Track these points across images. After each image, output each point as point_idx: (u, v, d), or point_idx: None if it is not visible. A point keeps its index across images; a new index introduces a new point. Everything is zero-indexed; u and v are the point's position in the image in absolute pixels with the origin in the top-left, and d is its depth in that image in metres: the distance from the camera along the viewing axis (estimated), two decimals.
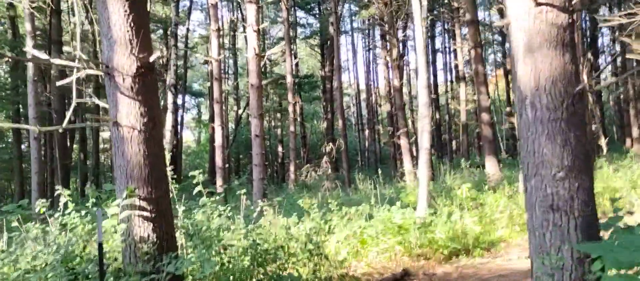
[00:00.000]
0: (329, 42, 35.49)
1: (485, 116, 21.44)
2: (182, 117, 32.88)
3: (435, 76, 37.96)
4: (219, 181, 16.14)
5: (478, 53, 21.52)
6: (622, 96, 30.70)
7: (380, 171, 19.09)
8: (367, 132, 45.57)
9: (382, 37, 26.47)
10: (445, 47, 41.48)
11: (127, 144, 4.90)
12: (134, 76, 4.91)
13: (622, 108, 32.59)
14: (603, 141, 18.78)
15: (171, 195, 5.68)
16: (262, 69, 28.48)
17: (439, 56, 41.62)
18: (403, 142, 21.00)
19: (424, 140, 10.46)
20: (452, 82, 40.23)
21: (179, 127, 31.63)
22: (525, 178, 4.60)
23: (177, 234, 5.48)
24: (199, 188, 5.17)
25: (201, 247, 4.81)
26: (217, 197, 15.95)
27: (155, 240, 4.91)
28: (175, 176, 6.30)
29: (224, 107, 23.38)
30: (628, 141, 30.45)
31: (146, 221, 4.91)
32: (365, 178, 20.89)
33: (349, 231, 7.72)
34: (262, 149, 14.22)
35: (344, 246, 7.41)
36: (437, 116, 38.01)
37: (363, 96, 50.27)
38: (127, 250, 4.92)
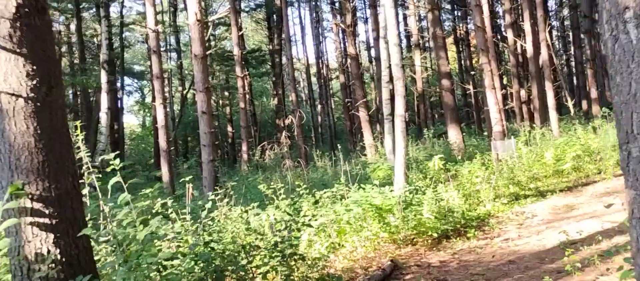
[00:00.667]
0: (275, 16, 33.78)
1: (446, 82, 20.36)
2: (121, 99, 30.55)
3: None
4: (163, 167, 14.44)
5: (436, 16, 20.35)
6: (576, 58, 30.29)
7: (339, 146, 17.75)
8: (319, 107, 44.21)
9: (332, 3, 24.98)
10: (396, 15, 40.28)
11: (8, 119, 3.32)
12: (14, 18, 3.32)
13: (576, 71, 32.27)
14: (570, 103, 18.00)
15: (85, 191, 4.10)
16: (207, 41, 26.64)
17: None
18: (362, 114, 19.72)
19: (399, 105, 9.12)
20: (406, 50, 39.24)
21: (119, 110, 29.42)
22: (626, 134, 3.16)
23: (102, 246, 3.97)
24: (116, 178, 3.55)
25: (124, 269, 3.28)
26: (161, 185, 14.31)
27: (58, 256, 3.37)
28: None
29: (165, 84, 21.53)
30: (584, 103, 30.19)
31: (44, 231, 3.36)
32: (323, 155, 19.60)
33: (324, 218, 6.33)
34: (210, 127, 12.62)
35: (320, 238, 6.03)
36: (390, 87, 36.90)
37: (313, 70, 48.78)
38: (17, 273, 3.38)
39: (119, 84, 30.27)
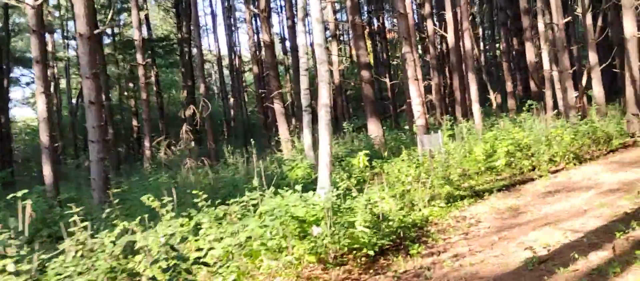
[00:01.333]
0: (183, 3, 31.65)
1: (365, 73, 19.28)
2: (7, 89, 27.29)
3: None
4: (46, 167, 12.30)
5: (355, 3, 19.20)
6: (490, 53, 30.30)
7: (253, 142, 16.20)
8: (232, 100, 42.28)
9: None
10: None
11: None
12: None
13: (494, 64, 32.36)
14: (492, 95, 17.39)
15: None
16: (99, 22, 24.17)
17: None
18: (277, 106, 18.24)
19: (323, 94, 7.72)
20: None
21: (4, 102, 26.26)
22: None
23: None
24: None
25: None
26: (42, 189, 12.17)
27: None
28: None
29: (48, 69, 19.11)
30: (498, 97, 30.22)
31: None
32: (234, 151, 18.02)
33: (231, 240, 4.80)
34: (100, 119, 10.71)
35: (225, 269, 4.51)
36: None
37: (226, 62, 46.69)
38: None
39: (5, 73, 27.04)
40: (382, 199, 7.03)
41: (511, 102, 25.07)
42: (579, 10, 16.24)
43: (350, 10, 19.50)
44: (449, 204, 8.53)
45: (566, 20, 14.03)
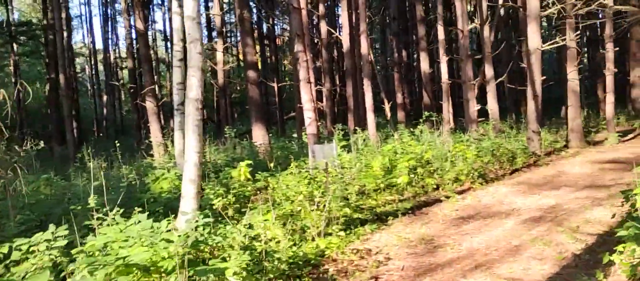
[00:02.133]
0: None
1: (252, 74, 17.44)
2: None
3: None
4: None
5: None
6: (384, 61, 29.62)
7: (118, 144, 13.79)
8: (105, 97, 38.66)
9: None
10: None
11: None
12: None
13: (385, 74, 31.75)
14: (387, 105, 16.23)
15: None
16: None
17: None
18: (149, 104, 15.89)
19: (193, 84, 5.80)
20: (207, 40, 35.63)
21: None
22: None
23: None
24: None
25: None
26: None
27: None
28: None
29: None
30: (386, 108, 29.58)
31: None
32: (100, 155, 15.49)
33: None
34: None
35: None
36: (183, 68, 33.08)
37: (101, 57, 42.80)
38: None
39: None
40: (267, 229, 5.25)
41: (401, 115, 24.32)
42: (477, 21, 15.51)
43: (237, 4, 17.62)
44: (349, 232, 6.91)
45: (471, 26, 13.13)
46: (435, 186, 9.89)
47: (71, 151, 16.87)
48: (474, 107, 12.69)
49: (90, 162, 14.23)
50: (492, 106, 16.19)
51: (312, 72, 15.64)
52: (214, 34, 26.12)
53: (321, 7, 19.67)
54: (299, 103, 14.39)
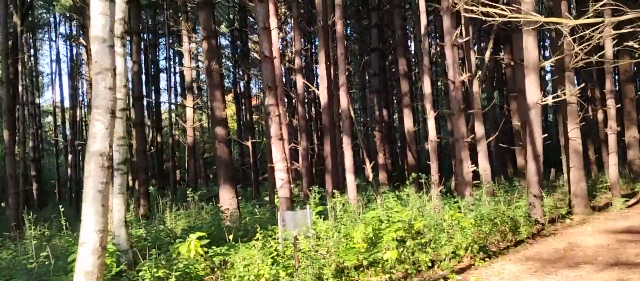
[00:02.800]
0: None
1: (220, 131, 15.83)
2: None
3: (157, 93, 31.45)
4: None
5: (212, 45, 15.92)
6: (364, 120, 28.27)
7: (62, 209, 11.95)
8: (70, 157, 36.52)
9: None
10: (168, 59, 35.23)
11: None
12: None
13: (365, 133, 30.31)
14: (368, 166, 14.65)
15: None
16: None
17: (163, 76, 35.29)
18: None
19: (97, 135, 4.09)
20: (176, 103, 34.11)
21: None
22: None
23: None
24: None
25: None
26: None
27: None
28: None
29: None
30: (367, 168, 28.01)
31: None
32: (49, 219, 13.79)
33: None
34: None
35: None
36: (158, 140, 31.39)
37: (68, 115, 40.93)
38: None
39: None
40: None
41: (383, 176, 22.74)
42: (465, 74, 14.19)
43: (206, 55, 16.15)
44: None
45: (464, 77, 11.72)
46: (429, 264, 8.17)
47: (11, 214, 14.85)
48: (468, 167, 11.14)
49: (29, 230, 12.41)
50: (484, 166, 14.70)
51: (286, 128, 14.07)
52: (185, 85, 24.58)
53: (297, 60, 18.29)
54: (271, 162, 12.71)
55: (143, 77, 24.96)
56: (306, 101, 19.06)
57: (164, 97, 40.17)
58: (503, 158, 24.07)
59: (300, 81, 18.26)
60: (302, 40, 19.12)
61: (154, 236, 11.29)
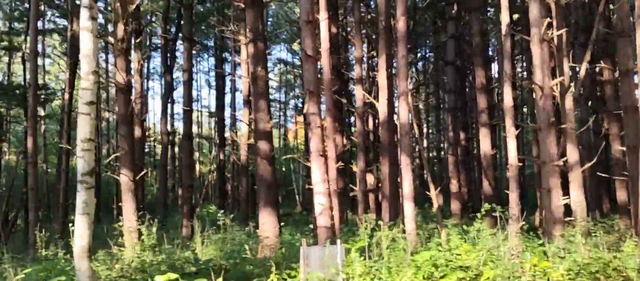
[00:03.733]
0: None
1: (263, 145, 13.90)
2: None
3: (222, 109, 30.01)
4: None
5: (259, 49, 14.06)
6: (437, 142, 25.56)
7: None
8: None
9: None
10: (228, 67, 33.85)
11: None
12: None
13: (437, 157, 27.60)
14: (433, 193, 12.18)
15: None
16: None
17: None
18: (123, 178, 12.37)
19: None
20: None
21: None
22: None
23: None
24: None
25: None
26: None
27: None
28: None
29: None
30: (433, 195, 25.22)
31: None
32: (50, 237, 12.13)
33: None
34: None
35: None
36: (221, 157, 29.97)
37: None
38: None
39: None
40: None
41: (456, 206, 19.98)
42: (556, 80, 11.45)
43: (251, 59, 14.30)
44: None
45: (557, 81, 9.04)
46: None
47: (31, 231, 13.45)
48: (558, 199, 8.44)
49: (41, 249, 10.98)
50: (578, 199, 11.83)
51: (333, 144, 11.83)
52: (241, 98, 22.87)
53: (357, 69, 16.08)
54: (311, 183, 10.53)
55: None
56: (365, 117, 16.75)
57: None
58: (598, 191, 20.65)
59: (359, 92, 16.02)
60: (365, 46, 16.90)
61: (155, 267, 9.40)
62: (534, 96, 8.54)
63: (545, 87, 8.38)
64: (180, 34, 20.66)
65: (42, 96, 24.01)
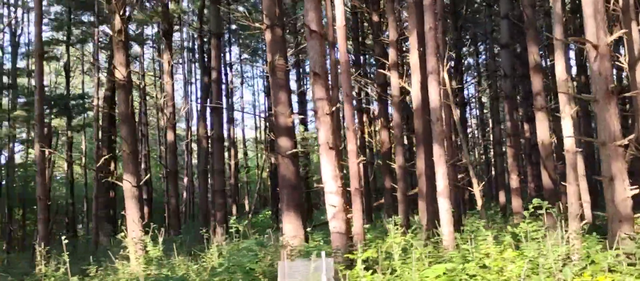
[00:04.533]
0: None
1: (284, 142, 12.45)
2: None
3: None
4: None
5: (277, 36, 12.66)
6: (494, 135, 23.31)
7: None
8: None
9: None
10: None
11: None
12: None
13: (494, 152, 25.29)
14: (477, 189, 10.26)
15: None
16: None
17: None
18: (126, 184, 11.21)
19: None
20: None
21: None
22: None
23: None
24: None
25: None
26: None
27: None
28: None
29: None
30: (501, 195, 22.93)
31: None
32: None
33: None
34: None
35: None
36: (273, 161, 28.73)
37: None
38: None
39: None
40: None
41: (517, 203, 17.72)
42: (616, 33, 9.30)
43: (268, 47, 12.88)
44: None
45: (615, 36, 6.95)
46: None
47: (40, 244, 12.52)
48: (623, 190, 6.40)
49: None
50: None
51: (353, 135, 10.13)
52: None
53: (392, 53, 14.32)
54: (323, 181, 8.91)
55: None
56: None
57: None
58: None
59: (395, 78, 14.25)
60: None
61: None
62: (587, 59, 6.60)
63: (600, 44, 6.40)
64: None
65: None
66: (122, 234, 10.99)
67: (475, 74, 32.73)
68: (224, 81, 19.35)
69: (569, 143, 9.40)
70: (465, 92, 39.33)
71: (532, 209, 7.88)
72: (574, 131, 9.32)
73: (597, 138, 6.51)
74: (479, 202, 10.07)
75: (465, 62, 35.93)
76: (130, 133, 11.33)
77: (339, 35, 10.51)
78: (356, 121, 36.60)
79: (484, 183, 10.57)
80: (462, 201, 28.36)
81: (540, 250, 7.03)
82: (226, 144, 25.17)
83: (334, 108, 9.11)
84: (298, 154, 12.70)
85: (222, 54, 22.09)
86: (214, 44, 18.15)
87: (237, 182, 25.02)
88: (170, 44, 20.08)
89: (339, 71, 10.36)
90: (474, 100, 39.61)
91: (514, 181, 18.34)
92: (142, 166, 29.45)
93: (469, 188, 10.73)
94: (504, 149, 23.31)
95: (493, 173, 30.15)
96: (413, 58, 12.00)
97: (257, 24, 15.16)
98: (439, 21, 12.57)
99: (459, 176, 13.42)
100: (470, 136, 41.41)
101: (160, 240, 10.74)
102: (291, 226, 12.15)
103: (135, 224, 11.00)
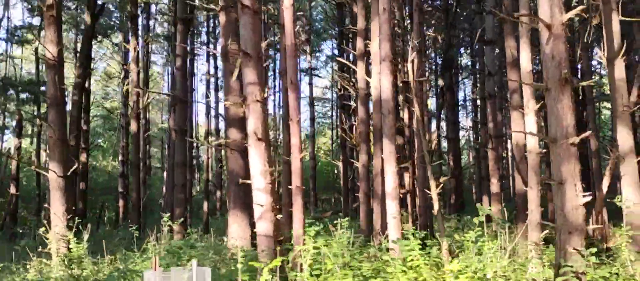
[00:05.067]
0: None
1: (234, 134, 11.57)
2: None
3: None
4: None
5: (231, 19, 11.64)
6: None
7: None
8: None
9: None
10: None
11: None
12: None
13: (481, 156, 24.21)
14: (435, 194, 9.29)
15: None
16: None
17: None
18: (51, 173, 10.19)
19: None
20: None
21: None
22: None
23: None
24: None
25: None
26: None
27: None
28: None
29: None
30: (433, 194, 21.94)
31: None
32: None
33: None
34: None
35: None
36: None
37: None
38: None
39: None
40: None
41: (496, 209, 16.67)
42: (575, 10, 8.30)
43: (222, 30, 11.90)
44: None
45: (572, 13, 5.78)
46: None
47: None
48: (574, 196, 5.25)
49: None
50: (631, 199, 8.64)
51: (296, 128, 9.08)
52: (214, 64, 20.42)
53: (359, 43, 13.27)
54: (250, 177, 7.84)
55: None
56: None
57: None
58: None
59: (361, 71, 13.20)
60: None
61: None
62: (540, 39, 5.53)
63: (554, 23, 5.36)
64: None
65: None
66: (43, 229, 9.96)
67: (471, 74, 31.68)
68: (191, 70, 18.24)
69: (532, 142, 8.39)
70: (461, 94, 38.30)
71: (482, 215, 6.87)
72: (537, 129, 8.34)
73: (549, 134, 5.45)
74: (436, 206, 9.02)
75: (462, 62, 34.86)
76: (59, 118, 10.30)
77: (286, 16, 9.45)
78: (337, 118, 35.50)
79: (441, 184, 9.46)
80: (449, 205, 27.40)
81: (482, 262, 6.06)
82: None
83: (265, 95, 8.07)
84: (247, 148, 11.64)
85: (190, 42, 21.02)
86: (180, 29, 17.12)
87: (208, 177, 23.94)
88: (136, 29, 19.05)
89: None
90: (469, 102, 38.61)
91: (495, 186, 17.30)
92: (120, 157, 28.27)
93: (427, 190, 9.71)
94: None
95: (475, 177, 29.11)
96: (374, 46, 10.97)
97: (212, 6, 14.13)
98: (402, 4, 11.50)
99: (442, 179, 12.38)
100: (465, 139, 40.36)
101: (86, 236, 9.72)
102: (237, 227, 11.14)
103: (59, 219, 9.96)
